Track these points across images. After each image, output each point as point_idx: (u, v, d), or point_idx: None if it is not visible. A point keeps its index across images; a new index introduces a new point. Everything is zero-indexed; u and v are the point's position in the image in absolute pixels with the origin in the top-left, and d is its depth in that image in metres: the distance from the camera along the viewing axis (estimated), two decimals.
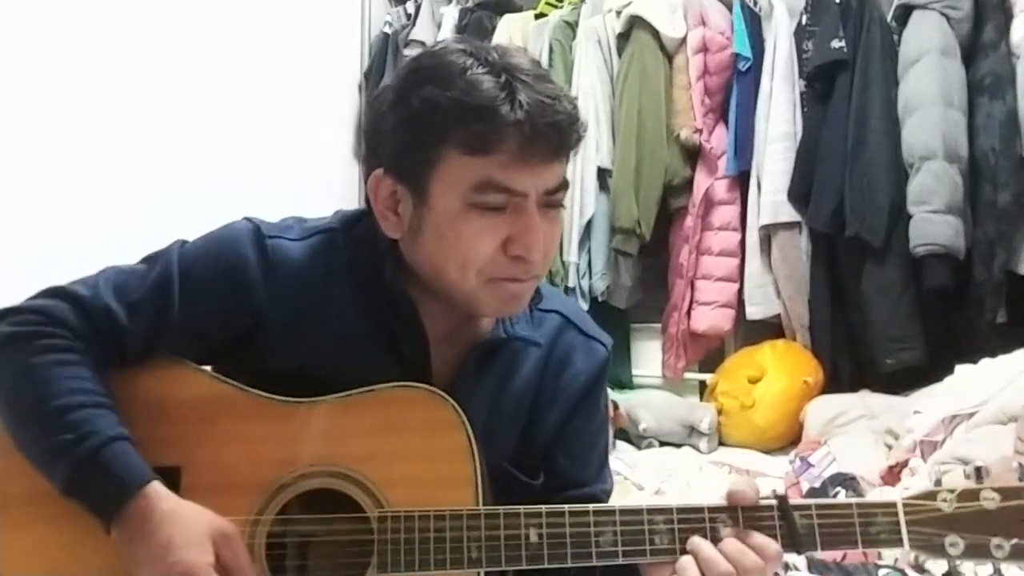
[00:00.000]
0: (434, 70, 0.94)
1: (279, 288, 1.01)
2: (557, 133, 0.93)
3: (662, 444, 2.99)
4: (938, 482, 0.92)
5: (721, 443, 3.02)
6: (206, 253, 1.03)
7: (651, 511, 0.93)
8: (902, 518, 0.91)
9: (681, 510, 0.93)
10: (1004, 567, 0.91)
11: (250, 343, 1.02)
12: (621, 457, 2.76)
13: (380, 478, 0.95)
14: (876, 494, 2.13)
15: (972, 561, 0.91)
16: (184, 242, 1.05)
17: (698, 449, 2.96)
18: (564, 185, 0.98)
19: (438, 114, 0.92)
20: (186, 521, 0.90)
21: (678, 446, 2.98)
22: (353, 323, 1.03)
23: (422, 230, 0.97)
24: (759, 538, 0.91)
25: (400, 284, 1.02)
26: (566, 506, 0.94)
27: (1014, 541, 0.88)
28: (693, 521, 0.93)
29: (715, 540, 0.92)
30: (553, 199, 0.97)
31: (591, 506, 0.94)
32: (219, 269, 1.01)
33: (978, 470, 0.91)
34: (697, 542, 0.92)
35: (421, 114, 0.93)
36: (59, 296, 0.99)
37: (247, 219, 1.06)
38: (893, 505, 0.92)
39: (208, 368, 1.04)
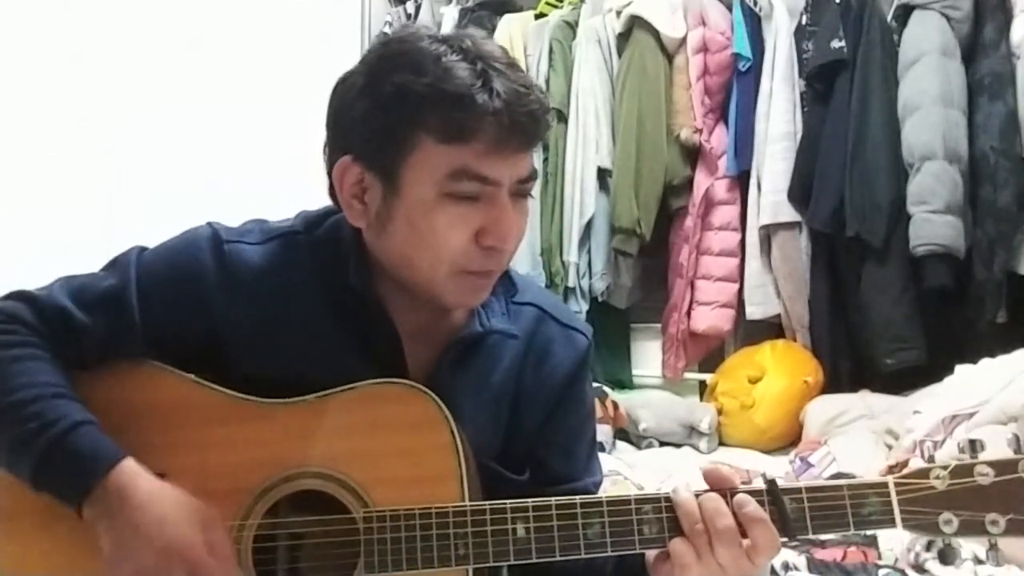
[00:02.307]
0: (406, 56, 0.92)
1: (239, 294, 1.00)
2: (533, 123, 0.93)
3: (662, 444, 2.99)
4: (931, 459, 0.91)
5: (721, 443, 3.01)
6: (164, 261, 1.02)
7: (639, 500, 0.92)
8: (894, 498, 0.89)
9: (669, 498, 0.92)
10: (1000, 543, 0.89)
11: (217, 351, 1.00)
12: (621, 457, 2.76)
13: (364, 477, 0.94)
14: None
15: (967, 538, 0.89)
16: (143, 248, 1.04)
17: (698, 449, 2.96)
18: (534, 175, 0.98)
19: (413, 101, 0.90)
20: (174, 501, 0.89)
21: (678, 446, 2.98)
22: (321, 326, 1.01)
23: (392, 219, 0.95)
24: (740, 497, 0.91)
25: (367, 283, 1.01)
26: (552, 499, 0.93)
27: (1010, 516, 0.86)
28: None
29: None
30: (524, 188, 0.97)
31: (578, 498, 0.93)
32: (176, 278, 1.00)
33: (972, 443, 0.89)
34: (679, 491, 0.92)
35: (394, 100, 0.91)
36: (15, 297, 0.99)
37: (208, 224, 1.04)
38: (885, 485, 0.90)
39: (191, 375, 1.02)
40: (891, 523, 0.89)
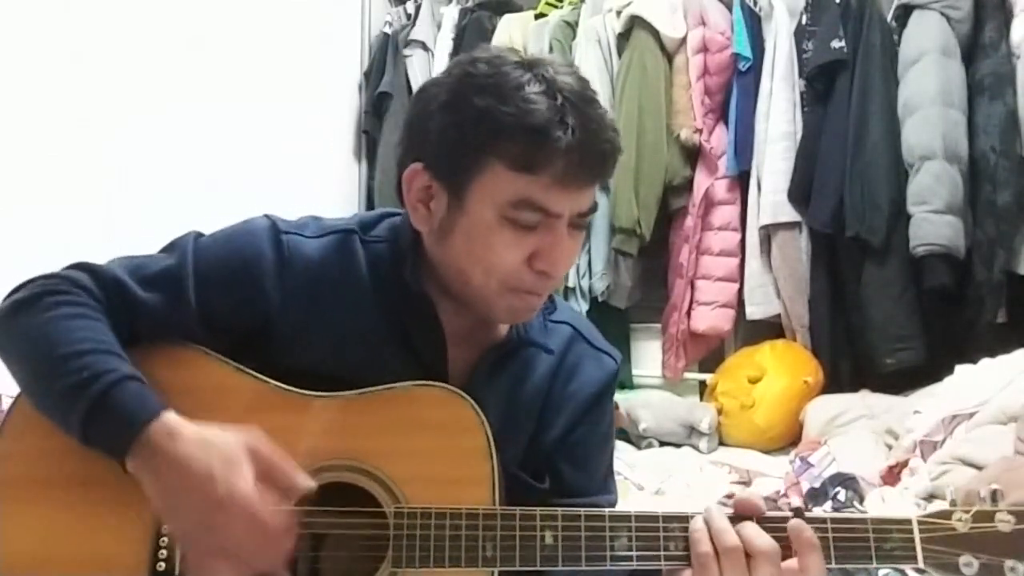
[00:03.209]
0: (491, 79, 0.95)
1: (293, 283, 1.02)
2: (602, 161, 0.96)
3: (662, 444, 2.99)
4: (953, 502, 0.92)
5: (721, 443, 3.02)
6: (222, 245, 1.04)
7: (667, 518, 0.93)
8: (917, 536, 0.91)
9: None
10: None
11: (265, 339, 1.02)
12: (621, 457, 2.76)
13: (398, 474, 0.96)
14: (876, 494, 2.14)
15: None
16: (200, 234, 1.06)
17: (698, 449, 2.96)
18: (594, 208, 1.00)
19: (491, 126, 0.93)
20: (217, 444, 0.89)
21: (678, 446, 2.98)
22: (369, 322, 1.04)
23: (453, 231, 0.99)
24: (797, 522, 0.91)
25: (420, 283, 1.04)
26: (582, 510, 0.94)
27: None
28: None
29: None
30: (582, 221, 0.99)
31: (607, 510, 0.95)
32: (234, 261, 1.02)
33: (993, 493, 0.91)
34: (712, 510, 0.93)
35: (473, 122, 0.94)
36: (76, 267, 1.02)
37: (266, 216, 1.07)
38: (908, 522, 0.92)
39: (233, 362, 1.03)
40: (913, 560, 0.91)
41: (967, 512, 0.90)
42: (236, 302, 1.01)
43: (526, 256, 0.97)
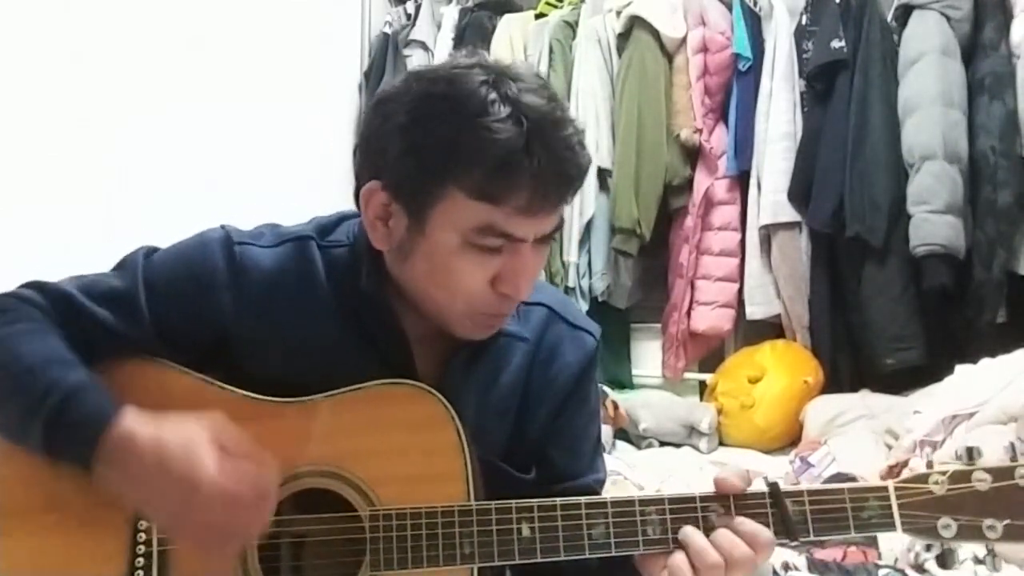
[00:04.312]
0: (451, 102, 0.90)
1: (248, 294, 1.01)
2: (568, 186, 0.94)
3: (662, 444, 2.99)
4: (930, 464, 0.91)
5: (721, 443, 3.02)
6: (175, 259, 1.03)
7: (643, 502, 0.93)
8: (894, 502, 0.90)
9: (673, 500, 0.93)
10: (998, 548, 0.90)
11: (225, 351, 1.01)
12: (621, 457, 2.76)
13: (371, 476, 0.95)
14: None
15: (965, 543, 0.90)
16: (153, 249, 1.05)
17: (698, 449, 2.96)
18: (560, 226, 0.98)
19: (451, 155, 0.90)
20: (174, 433, 0.88)
21: (678, 446, 2.98)
22: (331, 328, 1.02)
23: (414, 252, 0.96)
24: (750, 525, 0.91)
25: (378, 290, 1.02)
26: (558, 500, 0.94)
27: (1007, 522, 0.87)
28: (685, 511, 0.93)
29: (707, 530, 0.92)
30: (547, 238, 0.98)
31: (583, 499, 0.94)
32: (186, 275, 1.01)
33: (969, 451, 0.90)
34: (688, 532, 0.92)
35: (431, 151, 0.90)
36: (26, 285, 1.01)
37: (221, 226, 1.05)
38: (885, 489, 0.91)
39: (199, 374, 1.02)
40: (891, 527, 0.90)
41: (943, 474, 0.89)
42: (190, 316, 1.00)
43: (489, 279, 0.94)
